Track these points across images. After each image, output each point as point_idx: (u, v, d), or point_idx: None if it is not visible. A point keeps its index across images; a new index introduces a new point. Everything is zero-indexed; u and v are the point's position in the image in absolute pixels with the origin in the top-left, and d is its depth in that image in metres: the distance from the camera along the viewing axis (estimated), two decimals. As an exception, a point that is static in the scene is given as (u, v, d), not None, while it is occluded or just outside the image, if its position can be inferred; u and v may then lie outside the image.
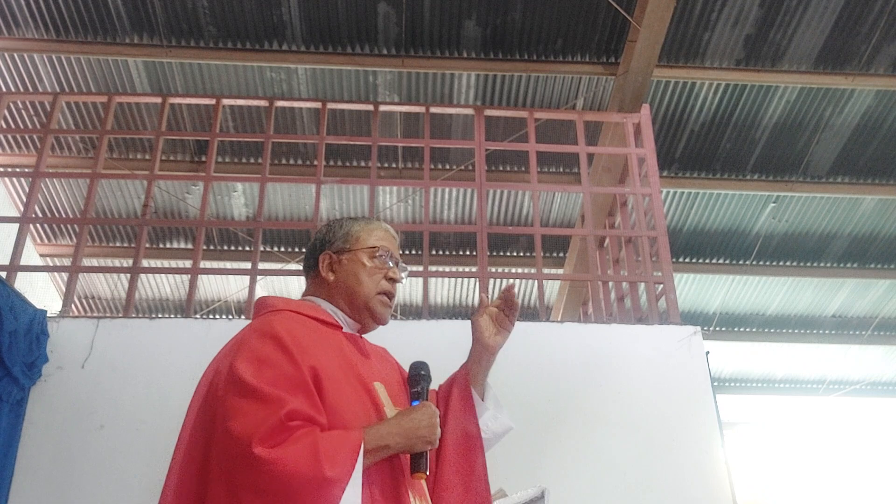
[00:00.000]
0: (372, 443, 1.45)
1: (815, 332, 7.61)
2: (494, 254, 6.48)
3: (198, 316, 6.16)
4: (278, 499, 1.33)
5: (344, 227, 1.82)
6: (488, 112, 5.07)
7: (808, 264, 6.85)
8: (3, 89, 5.21)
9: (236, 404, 1.41)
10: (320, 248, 1.80)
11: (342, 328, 1.73)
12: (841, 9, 4.96)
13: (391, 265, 1.79)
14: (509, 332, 1.80)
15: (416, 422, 1.51)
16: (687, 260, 6.75)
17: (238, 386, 1.44)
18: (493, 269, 6.51)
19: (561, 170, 5.97)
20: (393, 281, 1.78)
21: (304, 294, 1.81)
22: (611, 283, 5.26)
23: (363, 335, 1.82)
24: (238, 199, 6.12)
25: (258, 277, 4.50)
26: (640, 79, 4.96)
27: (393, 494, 1.49)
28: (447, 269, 6.33)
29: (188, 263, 4.67)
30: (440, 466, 1.66)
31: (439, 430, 1.54)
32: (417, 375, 1.66)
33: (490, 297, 1.84)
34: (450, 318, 5.78)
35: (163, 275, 6.79)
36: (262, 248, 4.95)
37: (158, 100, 4.97)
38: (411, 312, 7.16)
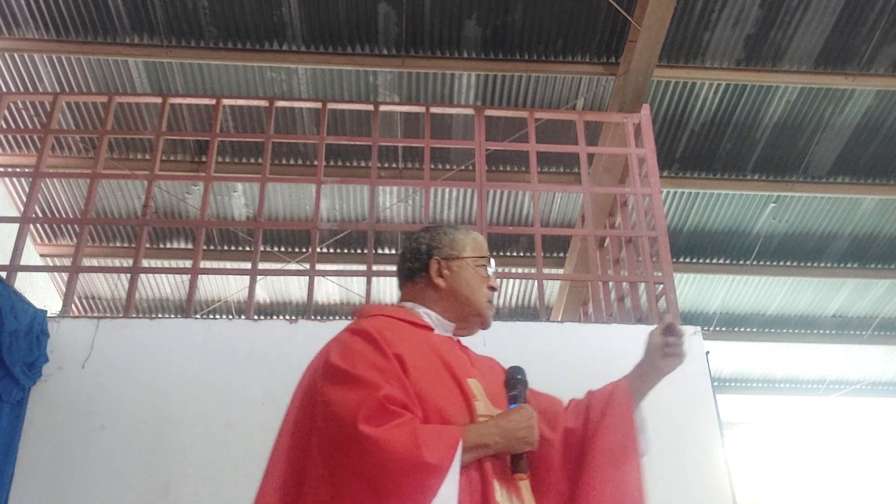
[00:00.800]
0: (471, 440, 1.46)
1: (815, 332, 7.61)
2: (495, 254, 6.40)
3: (198, 316, 6.16)
4: (376, 481, 1.36)
5: (448, 234, 1.86)
6: (488, 112, 5.07)
7: (809, 264, 6.85)
8: (3, 89, 5.21)
9: (335, 391, 1.47)
10: (428, 254, 1.83)
11: (433, 329, 1.76)
12: (841, 9, 4.96)
13: (492, 274, 1.87)
14: (680, 361, 1.84)
15: (515, 423, 1.53)
16: (687, 260, 6.75)
17: (334, 375, 1.50)
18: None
19: (561, 170, 5.97)
20: (493, 290, 1.86)
21: (400, 301, 1.85)
22: (611, 283, 5.25)
23: (460, 338, 1.86)
24: (238, 199, 6.12)
25: (258, 277, 4.50)
26: (641, 79, 4.96)
27: (484, 494, 1.49)
28: (447, 269, 6.33)
29: (188, 263, 4.67)
30: (588, 478, 1.68)
31: (538, 431, 1.56)
32: (514, 379, 1.68)
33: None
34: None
35: (163, 275, 6.79)
36: (262, 248, 4.95)
37: (158, 100, 4.97)
38: (411, 312, 7.14)
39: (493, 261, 1.88)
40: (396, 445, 1.36)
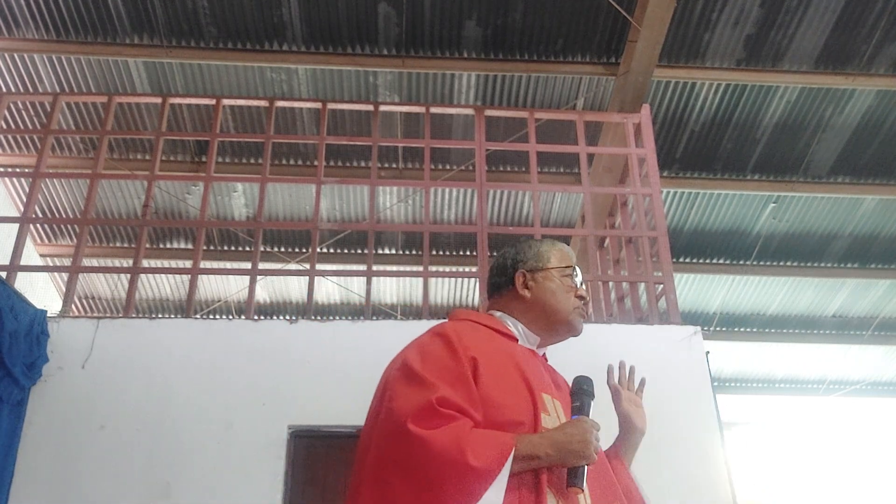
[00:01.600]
0: (523, 450, 1.46)
1: (815, 332, 7.61)
2: (495, 254, 6.46)
3: (198, 316, 6.16)
4: (421, 478, 1.40)
5: (533, 247, 1.90)
6: (488, 112, 5.07)
7: (809, 264, 6.85)
8: (3, 89, 5.21)
9: (400, 388, 1.53)
10: (513, 267, 1.87)
11: (518, 340, 1.79)
12: (841, 9, 4.95)
13: (579, 284, 1.88)
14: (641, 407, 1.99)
15: (570, 436, 1.52)
16: (687, 260, 6.75)
17: (403, 373, 1.56)
18: (494, 270, 6.50)
19: (561, 170, 5.97)
20: (582, 298, 1.87)
21: (489, 309, 1.89)
22: (611, 284, 5.25)
23: (544, 351, 1.90)
24: (238, 199, 6.12)
25: (258, 277, 4.50)
26: (641, 79, 4.96)
27: (535, 501, 1.49)
28: (447, 269, 6.33)
29: (188, 263, 4.67)
30: None
31: (595, 445, 1.54)
32: (579, 390, 1.67)
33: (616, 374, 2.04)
34: (450, 319, 5.77)
35: (163, 275, 6.79)
36: (262, 248, 4.94)
37: (158, 100, 4.97)
38: (411, 312, 7.16)
39: (579, 270, 1.90)
40: (441, 447, 1.39)
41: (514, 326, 1.81)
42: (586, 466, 1.52)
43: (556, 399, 1.69)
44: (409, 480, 1.41)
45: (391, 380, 1.59)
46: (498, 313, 1.85)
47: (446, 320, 1.81)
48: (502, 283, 1.88)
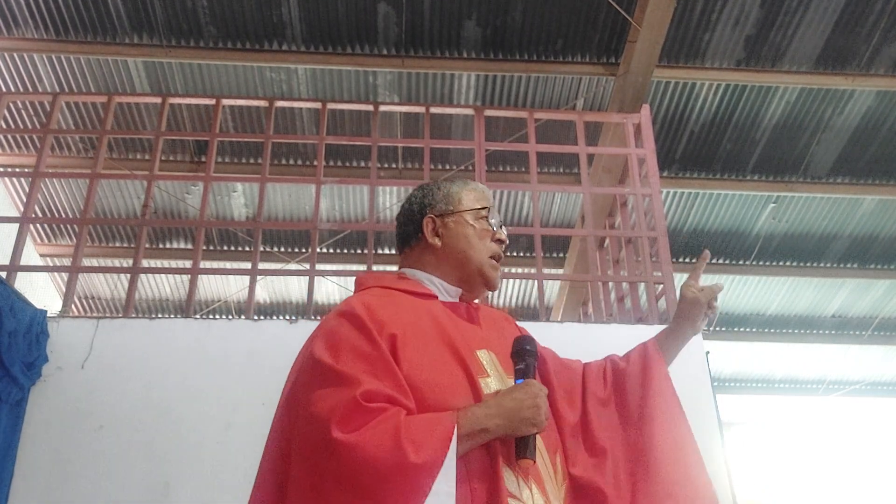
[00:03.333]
0: (467, 426, 1.30)
1: (815, 332, 7.61)
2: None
3: (198, 316, 6.16)
4: (360, 487, 1.22)
5: (442, 188, 1.69)
6: (488, 112, 5.07)
7: (809, 264, 6.85)
8: (3, 89, 5.21)
9: (314, 388, 1.34)
10: (420, 213, 1.66)
11: (437, 297, 1.60)
12: (841, 9, 4.95)
13: (496, 226, 1.68)
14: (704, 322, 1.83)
15: (519, 402, 1.35)
16: (687, 260, 6.75)
17: (315, 369, 1.38)
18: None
19: (561, 170, 5.97)
20: (501, 242, 1.67)
21: (401, 267, 1.68)
22: (611, 284, 5.25)
23: (474, 301, 1.70)
24: (238, 199, 6.12)
25: (258, 277, 4.50)
26: (641, 79, 4.96)
27: (491, 483, 1.34)
28: (447, 269, 6.32)
29: (188, 263, 4.66)
30: (651, 447, 1.59)
31: (545, 410, 1.38)
32: (522, 350, 1.49)
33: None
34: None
35: (163, 275, 6.79)
36: (262, 249, 4.94)
37: (158, 100, 4.97)
38: (411, 312, 7.15)
39: (495, 210, 1.70)
40: (376, 450, 1.22)
41: (430, 282, 1.61)
42: (536, 436, 1.38)
43: (492, 351, 1.52)
44: (345, 493, 1.22)
45: (301, 381, 1.40)
46: (409, 271, 1.64)
47: (354, 293, 1.60)
48: (410, 233, 1.66)
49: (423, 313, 1.51)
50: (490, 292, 1.71)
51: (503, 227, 1.71)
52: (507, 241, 1.70)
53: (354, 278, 1.69)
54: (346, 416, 1.26)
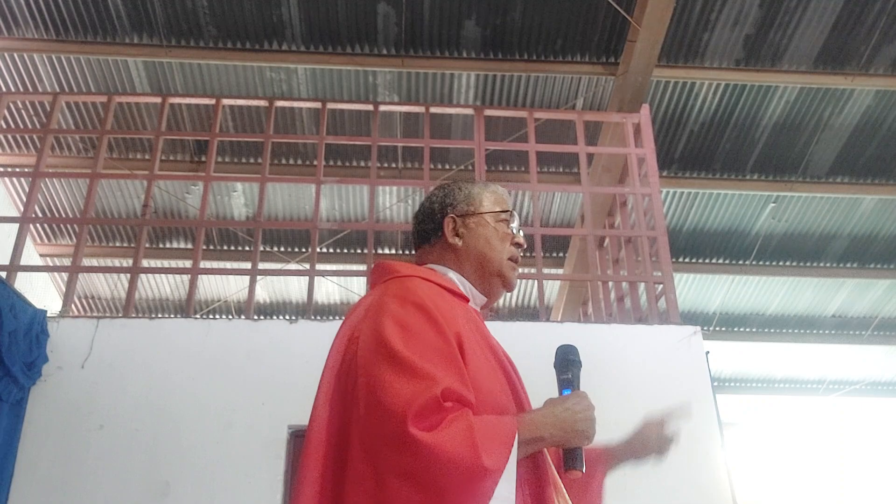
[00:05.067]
0: (526, 433, 1.29)
1: (815, 332, 7.61)
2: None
3: (198, 316, 6.16)
4: (429, 487, 1.19)
5: (464, 189, 1.66)
6: (488, 112, 5.07)
7: (808, 264, 6.85)
8: (3, 89, 5.21)
9: (384, 375, 1.26)
10: (441, 212, 1.63)
11: (468, 300, 1.58)
12: (841, 9, 4.96)
13: (516, 230, 1.66)
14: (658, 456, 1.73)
15: (574, 413, 1.34)
16: (687, 260, 6.75)
17: (386, 354, 1.29)
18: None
19: (561, 170, 5.97)
20: (519, 246, 1.65)
21: (422, 263, 1.64)
22: (611, 283, 5.25)
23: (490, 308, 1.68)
24: (238, 199, 6.12)
25: (258, 277, 4.50)
26: (640, 79, 4.96)
27: (538, 492, 1.33)
28: (447, 269, 6.32)
29: (188, 263, 4.67)
30: None
31: (595, 423, 1.37)
32: (566, 360, 1.45)
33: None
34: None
35: (163, 275, 6.79)
36: (262, 248, 4.94)
37: (158, 100, 4.97)
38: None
39: (516, 214, 1.68)
40: (454, 450, 1.19)
41: (462, 284, 1.59)
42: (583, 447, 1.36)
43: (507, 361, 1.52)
44: (417, 492, 1.19)
45: (367, 361, 1.31)
46: (438, 267, 1.60)
47: (389, 277, 1.52)
48: (430, 231, 1.64)
49: (467, 315, 1.48)
50: (508, 293, 1.71)
51: (520, 230, 1.70)
52: (525, 245, 1.69)
53: (378, 264, 1.61)
54: (422, 413, 1.21)
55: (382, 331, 1.33)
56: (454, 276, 1.59)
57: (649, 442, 1.69)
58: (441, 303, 1.41)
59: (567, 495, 1.45)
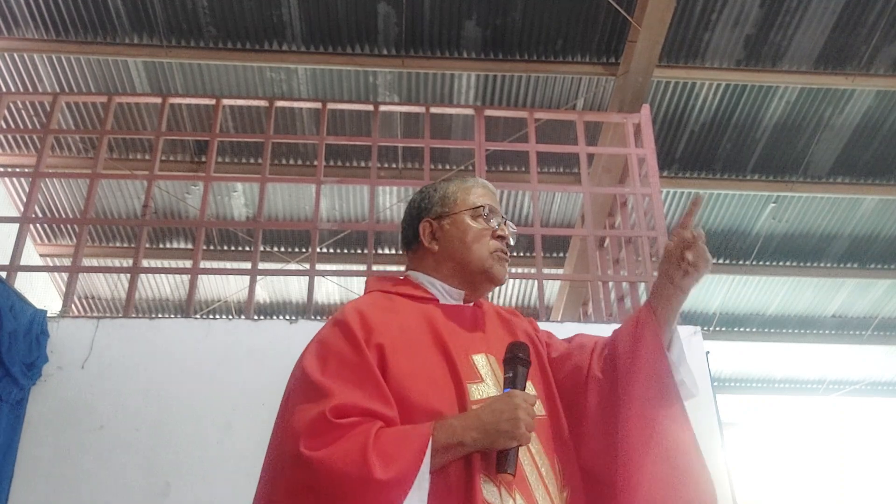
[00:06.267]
0: (443, 439, 1.27)
1: (815, 332, 7.61)
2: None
3: (198, 316, 6.16)
4: (328, 502, 1.21)
5: (439, 190, 1.65)
6: (488, 112, 5.07)
7: (808, 264, 6.85)
8: (3, 89, 5.21)
9: (295, 400, 1.35)
10: (417, 217, 1.64)
11: (438, 300, 1.57)
12: (841, 9, 4.95)
13: (496, 224, 1.62)
14: (700, 274, 1.56)
15: (497, 413, 1.30)
16: (687, 260, 6.74)
17: (299, 380, 1.39)
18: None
19: (561, 170, 5.97)
20: (502, 238, 1.61)
21: (407, 269, 1.66)
22: (611, 283, 5.25)
23: (478, 300, 1.65)
24: (238, 199, 6.12)
25: (258, 277, 4.50)
26: (641, 79, 4.96)
27: (468, 497, 1.30)
28: (447, 269, 6.32)
29: (188, 263, 4.67)
30: (630, 441, 1.42)
31: (527, 422, 1.31)
32: (513, 358, 1.42)
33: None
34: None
35: (163, 275, 6.79)
36: (262, 248, 4.94)
37: (158, 100, 4.97)
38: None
39: (494, 206, 1.64)
40: (343, 465, 1.20)
41: (432, 286, 1.58)
42: (518, 448, 1.32)
43: (492, 355, 1.49)
44: None
45: (288, 390, 1.41)
46: (413, 273, 1.62)
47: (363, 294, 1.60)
48: (411, 237, 1.64)
49: (418, 318, 1.48)
50: (498, 287, 1.67)
51: (507, 222, 1.66)
52: (510, 236, 1.65)
53: (365, 279, 1.71)
54: (314, 432, 1.24)
55: (303, 359, 1.42)
56: (423, 280, 1.60)
57: (675, 260, 1.55)
58: (373, 313, 1.44)
59: (555, 484, 1.40)
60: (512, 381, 1.40)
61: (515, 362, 1.42)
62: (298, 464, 1.23)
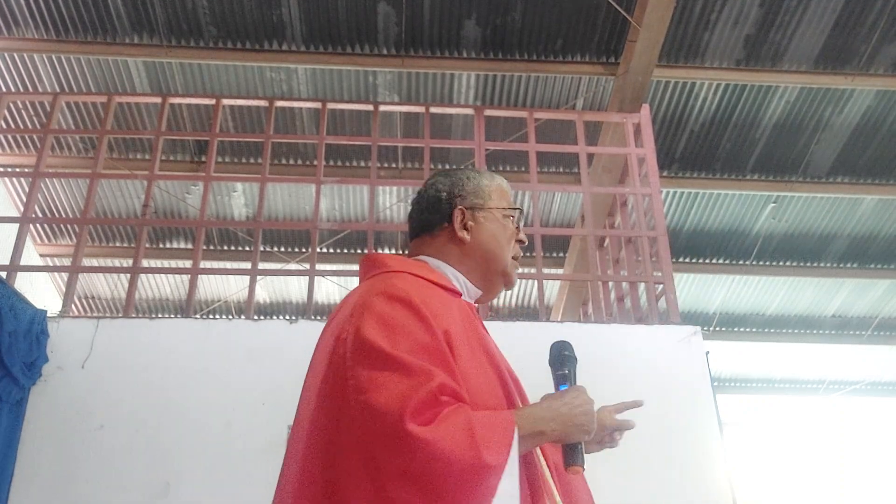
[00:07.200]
0: (526, 427, 1.24)
1: (815, 332, 7.61)
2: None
3: (198, 316, 6.16)
4: (430, 486, 1.13)
5: (472, 179, 1.59)
6: (488, 112, 5.07)
7: (808, 264, 6.85)
8: (3, 89, 5.21)
9: (372, 375, 1.20)
10: (448, 202, 1.55)
11: (461, 295, 1.50)
12: (841, 9, 4.96)
13: (521, 227, 1.62)
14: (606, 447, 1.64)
15: (573, 407, 1.30)
16: (687, 260, 6.75)
17: (371, 354, 1.23)
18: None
19: (561, 170, 5.97)
20: (522, 243, 1.60)
21: (416, 254, 1.56)
22: (611, 283, 5.26)
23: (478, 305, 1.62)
24: (238, 199, 6.12)
25: (258, 277, 4.50)
26: (640, 79, 4.96)
27: (533, 491, 1.29)
28: (447, 269, 6.32)
29: (188, 263, 4.67)
30: None
31: (596, 418, 1.34)
32: (562, 356, 1.42)
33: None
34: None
35: (163, 275, 6.79)
36: (262, 248, 4.94)
37: (158, 100, 4.97)
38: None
39: (522, 211, 1.64)
40: (453, 446, 1.14)
41: (455, 278, 1.51)
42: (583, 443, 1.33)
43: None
44: (418, 493, 1.13)
45: (350, 367, 1.24)
46: (433, 261, 1.52)
47: (378, 272, 1.45)
48: (435, 222, 1.55)
49: (459, 310, 1.42)
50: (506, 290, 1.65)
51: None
52: (527, 243, 1.65)
53: (366, 258, 1.55)
54: (420, 408, 1.16)
55: (368, 331, 1.26)
56: (447, 270, 1.52)
57: (605, 435, 1.61)
58: (430, 299, 1.35)
59: (557, 496, 1.39)
60: (567, 378, 1.41)
61: (565, 360, 1.42)
62: (406, 441, 1.13)
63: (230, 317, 7.07)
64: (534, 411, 1.30)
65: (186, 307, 4.15)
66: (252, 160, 5.75)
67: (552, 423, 1.28)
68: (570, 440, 1.31)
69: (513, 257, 1.59)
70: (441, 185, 1.59)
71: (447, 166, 5.87)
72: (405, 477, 1.13)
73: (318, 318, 5.31)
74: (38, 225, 6.15)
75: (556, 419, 1.29)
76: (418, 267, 1.48)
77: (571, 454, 1.32)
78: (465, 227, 1.53)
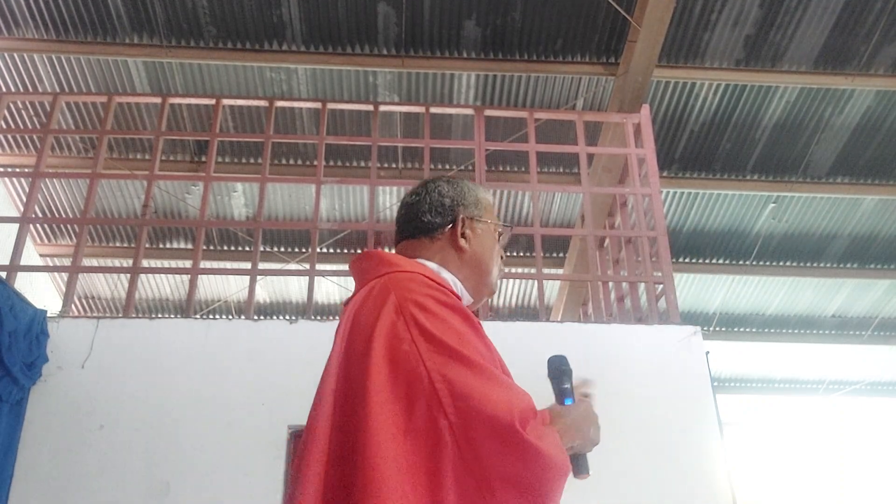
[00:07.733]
0: (565, 441, 1.30)
1: (815, 332, 7.62)
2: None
3: (198, 316, 6.16)
4: (531, 490, 1.19)
5: (472, 191, 1.61)
6: (488, 112, 5.07)
7: (808, 264, 6.86)
8: (3, 89, 5.21)
9: (468, 382, 1.21)
10: (452, 208, 1.56)
11: (461, 301, 1.49)
12: (841, 9, 4.96)
13: (505, 245, 1.65)
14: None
15: (587, 422, 1.36)
16: (687, 260, 6.75)
17: (457, 358, 1.23)
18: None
19: (561, 170, 5.97)
20: (501, 259, 1.64)
21: (414, 256, 1.53)
22: (611, 283, 5.25)
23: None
24: (238, 199, 6.12)
25: (258, 277, 4.50)
26: (640, 79, 4.96)
27: None
28: (447, 269, 6.32)
29: (188, 263, 4.67)
30: None
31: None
32: (561, 370, 1.45)
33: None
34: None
35: (163, 275, 6.79)
36: (262, 248, 4.94)
37: (158, 100, 4.97)
38: (411, 312, 7.13)
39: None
40: (556, 455, 1.21)
41: (455, 285, 1.50)
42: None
43: None
44: (523, 496, 1.18)
45: (432, 366, 1.22)
46: (433, 265, 1.50)
47: (393, 270, 1.41)
48: (437, 225, 1.54)
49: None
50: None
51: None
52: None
53: (370, 254, 1.52)
54: (525, 419, 1.20)
55: (425, 324, 1.26)
56: (447, 276, 1.51)
57: None
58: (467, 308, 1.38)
59: None
60: (569, 392, 1.44)
61: (565, 375, 1.46)
62: (521, 448, 1.18)
63: (230, 317, 7.07)
64: (560, 427, 1.33)
65: (186, 307, 4.15)
66: (252, 160, 5.75)
67: (577, 439, 1.34)
68: (582, 451, 1.37)
69: (498, 273, 1.63)
70: (445, 191, 1.59)
71: (447, 167, 5.88)
72: (514, 481, 1.18)
73: (318, 318, 5.32)
74: (38, 225, 6.15)
75: (578, 434, 1.34)
76: (431, 272, 1.48)
77: (584, 464, 1.37)
78: (464, 236, 1.56)
